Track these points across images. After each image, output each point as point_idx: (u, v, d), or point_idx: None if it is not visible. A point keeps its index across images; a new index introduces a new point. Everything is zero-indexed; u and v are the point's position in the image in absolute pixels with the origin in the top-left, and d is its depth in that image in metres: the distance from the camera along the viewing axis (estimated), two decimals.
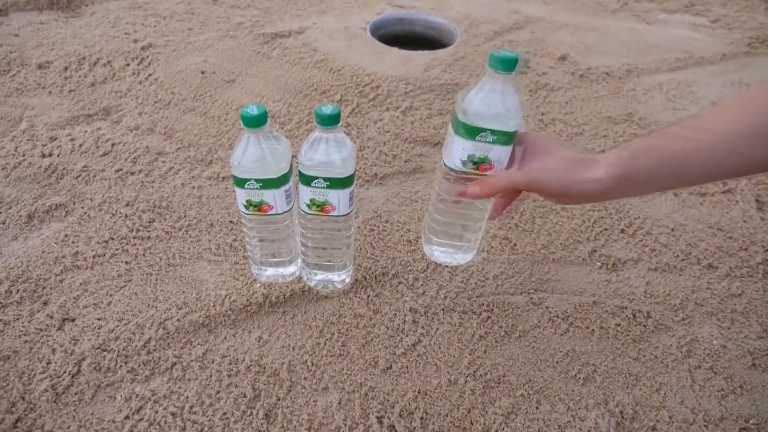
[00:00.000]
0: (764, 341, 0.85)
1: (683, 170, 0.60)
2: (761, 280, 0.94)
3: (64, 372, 0.77)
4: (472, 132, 0.67)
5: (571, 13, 1.85)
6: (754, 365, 0.81)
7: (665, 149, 0.60)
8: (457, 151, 0.70)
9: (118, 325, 0.83)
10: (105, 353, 0.80)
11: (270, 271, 0.90)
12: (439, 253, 0.85)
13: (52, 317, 0.84)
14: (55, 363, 0.78)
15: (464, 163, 0.70)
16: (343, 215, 0.78)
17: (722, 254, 0.99)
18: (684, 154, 0.59)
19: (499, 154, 0.69)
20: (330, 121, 0.70)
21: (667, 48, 1.65)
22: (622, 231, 1.02)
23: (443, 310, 0.87)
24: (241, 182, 0.75)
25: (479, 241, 0.83)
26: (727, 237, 1.02)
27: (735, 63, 1.59)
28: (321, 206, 0.77)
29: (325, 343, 0.82)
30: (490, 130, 0.67)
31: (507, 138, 0.67)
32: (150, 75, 1.42)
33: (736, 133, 0.58)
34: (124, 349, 0.80)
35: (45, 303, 0.87)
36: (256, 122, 0.71)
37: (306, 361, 0.80)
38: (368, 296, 0.89)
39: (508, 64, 0.64)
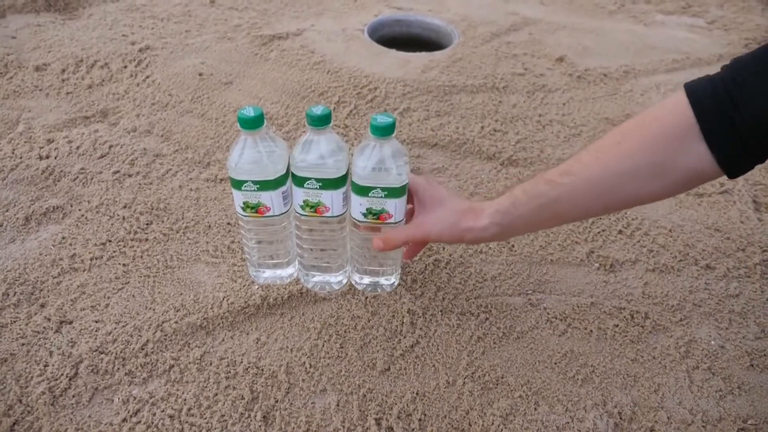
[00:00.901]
0: (762, 341, 0.85)
1: (557, 213, 0.68)
2: (759, 281, 0.94)
3: (62, 375, 0.77)
4: (364, 191, 0.75)
5: (568, 15, 1.86)
6: (752, 365, 0.81)
7: (542, 196, 0.68)
8: (356, 205, 0.77)
9: (115, 328, 0.83)
10: (102, 356, 0.79)
11: (268, 273, 0.90)
12: (365, 281, 0.90)
13: (49, 320, 0.84)
14: (53, 366, 0.78)
15: (365, 215, 0.78)
16: (336, 216, 0.78)
17: (720, 255, 0.99)
18: (557, 200, 0.67)
19: (396, 205, 0.76)
20: (321, 121, 0.70)
21: (665, 49, 1.65)
22: (620, 232, 1.03)
23: (441, 311, 0.87)
24: (238, 184, 0.75)
25: (397, 267, 0.89)
26: (725, 238, 1.02)
27: None
28: (314, 207, 0.77)
29: (323, 345, 0.82)
30: (380, 187, 0.74)
31: (398, 191, 0.75)
32: (147, 77, 1.42)
33: (596, 179, 0.64)
34: (121, 352, 0.80)
35: (42, 305, 0.87)
36: (252, 124, 0.71)
37: (304, 363, 0.80)
38: (366, 298, 0.89)
39: (384, 131, 0.70)
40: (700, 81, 0.60)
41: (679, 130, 0.59)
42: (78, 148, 1.18)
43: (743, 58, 0.58)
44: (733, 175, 0.60)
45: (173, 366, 0.79)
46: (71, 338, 0.82)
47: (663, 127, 0.60)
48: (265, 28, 1.67)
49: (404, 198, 0.76)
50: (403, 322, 0.85)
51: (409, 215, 0.81)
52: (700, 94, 0.58)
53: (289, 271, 0.90)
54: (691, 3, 1.96)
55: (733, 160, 0.58)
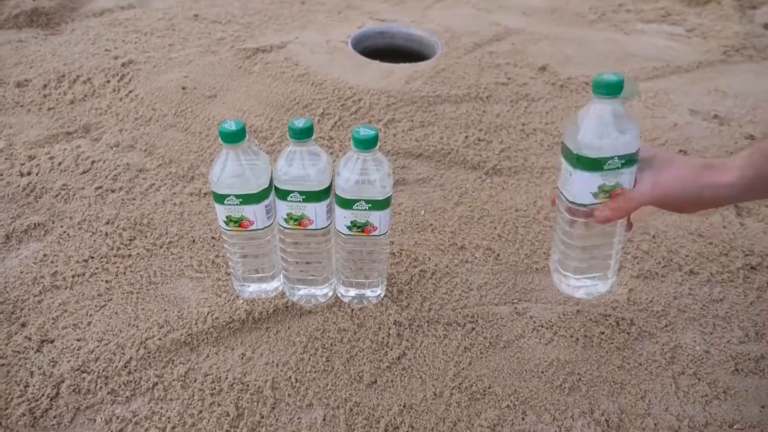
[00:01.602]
0: (746, 345, 0.85)
1: None
2: (741, 285, 0.95)
3: (43, 395, 0.75)
4: (597, 164, 0.65)
5: (550, 25, 1.88)
6: (737, 370, 0.82)
7: None
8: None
9: (98, 346, 0.82)
10: (84, 375, 0.78)
11: (253, 287, 0.89)
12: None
13: (30, 339, 0.83)
14: (33, 386, 0.77)
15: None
16: (320, 228, 0.78)
17: (703, 260, 1.00)
18: None
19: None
20: (303, 134, 0.70)
21: (645, 57, 1.67)
22: None
23: (428, 322, 0.87)
24: (220, 198, 0.75)
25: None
26: (708, 243, 1.03)
27: (711, 71, 1.62)
28: (298, 220, 0.77)
29: (309, 359, 0.82)
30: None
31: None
32: (130, 91, 1.42)
33: None
34: (104, 370, 0.79)
35: (23, 325, 0.85)
36: (234, 138, 0.70)
37: (290, 377, 0.79)
38: (352, 310, 0.88)
39: (367, 143, 0.68)
40: None
41: None
42: (60, 164, 1.17)
43: None
44: None
45: (157, 384, 0.78)
46: (52, 357, 0.80)
47: None
48: (248, 41, 1.67)
49: (389, 210, 0.76)
50: (389, 334, 0.85)
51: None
52: None
53: (274, 285, 0.90)
54: (670, 11, 1.99)
55: None
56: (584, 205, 0.68)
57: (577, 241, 0.73)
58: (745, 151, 0.64)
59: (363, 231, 0.77)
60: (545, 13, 1.96)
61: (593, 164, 0.65)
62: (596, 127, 0.64)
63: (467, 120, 1.35)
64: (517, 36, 1.77)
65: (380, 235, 0.79)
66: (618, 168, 0.65)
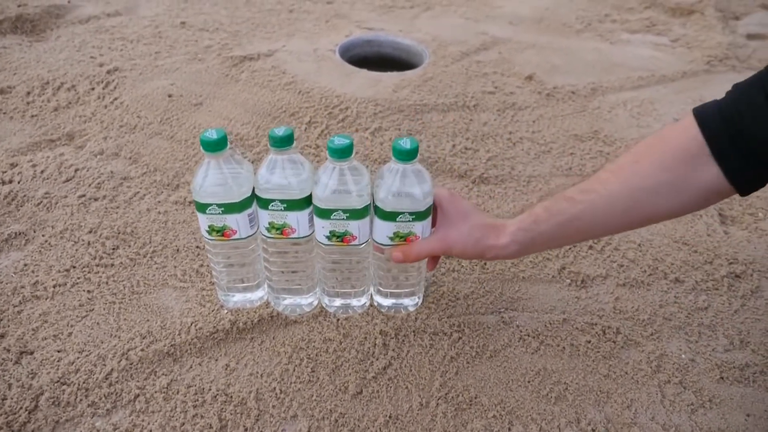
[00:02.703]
0: (731, 354, 0.85)
1: (578, 230, 0.70)
2: (726, 293, 0.95)
3: (21, 408, 0.74)
4: (392, 216, 0.74)
5: (537, 34, 1.89)
6: (722, 378, 0.82)
7: (562, 213, 0.69)
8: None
9: (78, 357, 0.81)
10: (64, 387, 0.77)
11: (237, 297, 0.88)
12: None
13: (9, 350, 0.81)
14: (11, 399, 0.75)
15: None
16: (303, 237, 0.78)
17: (688, 268, 1.00)
18: (577, 217, 0.68)
19: (357, 226, 0.76)
20: (283, 142, 0.70)
21: (631, 67, 1.69)
22: (591, 247, 1.03)
23: (414, 331, 0.86)
24: (202, 207, 0.74)
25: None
26: (693, 251, 1.04)
27: (695, 80, 1.63)
28: (280, 229, 0.76)
29: (294, 369, 0.81)
30: (341, 209, 0.74)
31: (360, 213, 0.75)
32: (116, 99, 1.40)
33: (616, 196, 0.67)
34: (84, 382, 0.77)
35: (1, 336, 0.84)
36: (215, 146, 0.70)
37: (274, 388, 0.78)
38: (338, 320, 0.88)
39: (342, 153, 0.70)
40: (708, 105, 0.64)
41: (691, 151, 0.63)
42: (42, 172, 1.16)
43: (742, 84, 0.63)
44: (745, 192, 0.63)
45: (138, 395, 0.76)
46: (31, 369, 0.79)
47: (674, 149, 0.64)
48: (236, 49, 1.67)
49: (367, 219, 0.76)
50: (375, 344, 0.84)
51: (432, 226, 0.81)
52: (708, 117, 0.62)
53: (258, 294, 0.89)
54: (655, 22, 2.01)
55: (743, 179, 0.62)
56: (383, 245, 0.78)
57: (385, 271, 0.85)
58: (524, 211, 0.74)
59: (342, 240, 0.77)
60: (532, 23, 1.98)
61: (388, 216, 0.74)
62: (392, 186, 0.73)
63: (454, 129, 1.35)
64: (504, 45, 1.78)
65: (360, 245, 0.78)
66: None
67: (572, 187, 0.71)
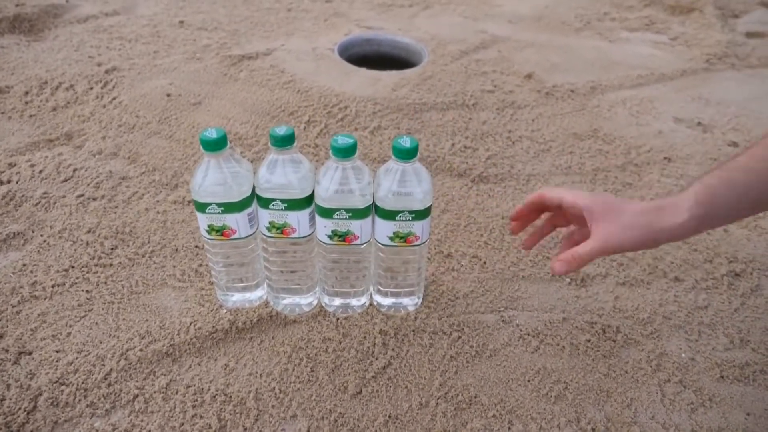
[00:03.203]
0: (731, 353, 0.85)
1: (756, 201, 0.64)
2: (726, 292, 0.95)
3: (19, 408, 0.74)
4: (328, 212, 0.74)
5: (536, 33, 1.89)
6: (722, 377, 0.82)
7: (739, 184, 0.63)
8: (321, 227, 0.77)
9: (77, 357, 0.81)
10: (63, 387, 0.77)
11: (237, 297, 0.88)
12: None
13: (7, 351, 0.81)
14: (10, 399, 0.75)
15: (330, 237, 0.77)
16: (304, 237, 0.77)
17: (688, 267, 1.00)
18: (752, 187, 0.63)
19: (360, 226, 0.75)
20: (284, 142, 0.70)
21: (630, 65, 1.69)
22: None
23: (413, 331, 0.86)
24: (202, 207, 0.74)
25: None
26: (692, 250, 1.03)
27: (694, 79, 1.63)
28: (281, 228, 0.76)
29: (293, 369, 0.81)
30: (344, 209, 0.73)
31: (362, 212, 0.74)
32: (114, 98, 1.40)
33: None
34: (83, 382, 0.77)
35: (0, 336, 0.83)
36: (215, 146, 0.70)
37: (274, 388, 0.78)
38: (337, 319, 0.88)
39: (345, 152, 0.70)
40: None
41: None
42: (41, 172, 1.16)
43: None
44: None
45: (137, 396, 0.76)
46: (30, 370, 0.79)
47: None
48: (234, 48, 1.66)
49: (369, 219, 0.76)
50: (374, 344, 0.84)
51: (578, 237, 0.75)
52: None
53: (258, 294, 0.89)
54: (654, 20, 2.01)
55: None
56: (383, 245, 0.78)
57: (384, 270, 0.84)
58: (692, 186, 0.66)
59: (344, 240, 0.76)
60: (531, 21, 1.97)
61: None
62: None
63: (453, 127, 1.35)
64: (504, 44, 1.78)
65: (362, 244, 0.78)
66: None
67: (738, 157, 0.66)
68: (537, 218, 0.80)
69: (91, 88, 1.43)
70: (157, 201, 1.10)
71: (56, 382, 0.77)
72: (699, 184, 0.66)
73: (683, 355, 0.85)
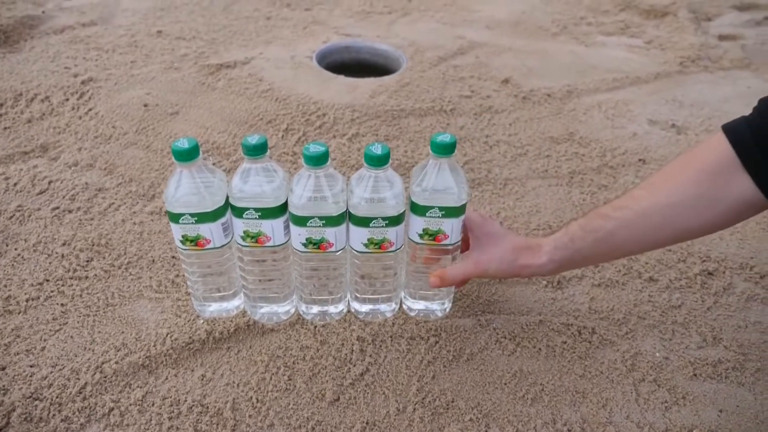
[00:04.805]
0: (704, 351, 0.87)
1: (613, 246, 0.71)
2: (699, 291, 0.97)
3: None
4: (301, 221, 0.74)
5: (513, 38, 1.91)
6: (695, 375, 0.83)
7: (598, 230, 0.71)
8: (296, 235, 0.77)
9: (51, 372, 0.80)
10: (37, 402, 0.76)
11: (214, 306, 0.88)
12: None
13: None
14: None
15: (305, 245, 0.77)
16: (279, 245, 0.77)
17: (662, 267, 1.01)
18: (612, 233, 0.70)
19: (334, 233, 0.76)
20: (256, 151, 0.70)
21: (605, 69, 1.71)
22: None
23: (391, 337, 0.87)
24: (175, 217, 0.74)
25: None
26: (666, 250, 1.05)
27: (668, 81, 1.66)
28: (255, 237, 0.76)
29: (270, 378, 0.80)
30: (317, 217, 0.74)
31: (336, 220, 0.75)
32: (90, 109, 1.39)
33: (649, 212, 0.68)
34: (57, 397, 0.76)
35: None
36: (187, 156, 0.70)
37: (251, 397, 0.78)
38: (315, 327, 0.88)
39: (317, 160, 0.71)
40: (736, 121, 0.65)
41: (722, 165, 0.64)
42: (15, 184, 1.14)
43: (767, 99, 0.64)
44: None
45: (113, 409, 0.76)
46: (3, 385, 0.78)
47: (706, 164, 0.65)
48: (212, 57, 1.66)
49: (343, 226, 0.76)
50: (352, 350, 0.84)
51: (464, 246, 0.83)
52: (737, 131, 0.64)
53: (235, 303, 0.88)
54: (629, 24, 2.04)
55: None
56: (358, 252, 0.79)
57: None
58: (559, 230, 0.75)
59: (319, 248, 0.77)
60: (508, 27, 1.99)
61: (361, 222, 0.75)
62: (363, 193, 0.74)
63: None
64: (481, 49, 1.80)
65: (337, 252, 0.78)
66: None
67: (606, 204, 0.73)
68: None
69: (67, 100, 1.42)
70: (134, 212, 1.09)
71: (30, 397, 0.76)
72: (564, 228, 0.75)
73: (657, 354, 0.86)
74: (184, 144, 0.70)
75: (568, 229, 0.74)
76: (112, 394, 0.77)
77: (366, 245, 0.77)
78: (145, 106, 1.40)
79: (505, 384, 0.81)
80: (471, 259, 0.78)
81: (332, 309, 0.88)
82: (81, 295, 0.92)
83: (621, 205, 0.70)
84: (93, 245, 1.01)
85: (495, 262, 0.76)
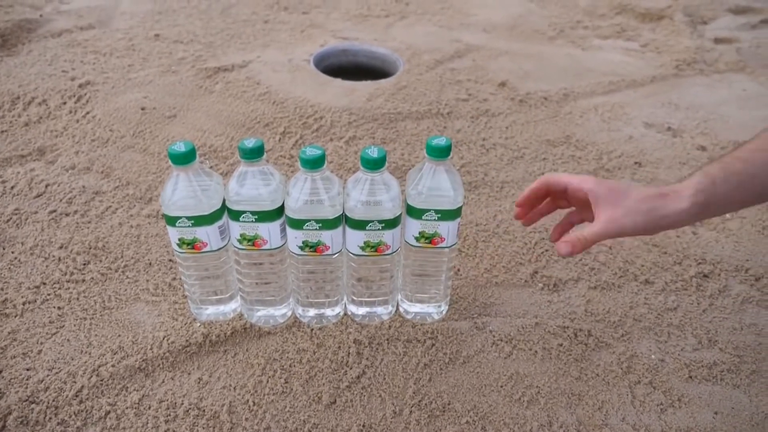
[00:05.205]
0: (699, 353, 0.87)
1: (756, 190, 0.67)
2: (695, 293, 0.97)
3: None
4: (298, 224, 0.74)
5: (510, 41, 1.92)
6: (691, 377, 0.83)
7: (739, 173, 0.66)
8: (292, 238, 0.77)
9: (48, 375, 0.80)
10: (33, 405, 0.76)
11: (211, 310, 0.88)
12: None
13: None
14: None
15: (301, 248, 0.77)
16: (275, 248, 0.78)
17: (658, 269, 1.02)
18: (755, 176, 0.66)
19: (330, 236, 0.76)
20: (253, 154, 0.70)
21: (602, 72, 1.72)
22: None
23: (387, 340, 0.87)
24: (172, 220, 0.74)
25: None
26: (662, 252, 1.05)
27: (664, 84, 1.67)
28: (252, 240, 0.76)
29: (267, 381, 0.80)
30: (314, 219, 0.73)
31: (332, 223, 0.75)
32: (88, 113, 1.39)
33: None
34: (54, 400, 0.76)
35: None
36: (183, 159, 0.70)
37: (247, 401, 0.78)
38: (312, 330, 0.88)
39: (313, 163, 0.70)
40: None
41: None
42: (12, 188, 1.14)
43: None
44: None
45: (109, 412, 0.76)
46: None
47: None
48: (210, 60, 1.66)
49: (340, 229, 0.76)
50: (349, 353, 0.84)
51: (589, 216, 0.74)
52: None
53: (232, 306, 0.88)
54: (625, 27, 2.05)
55: None
56: (354, 254, 0.79)
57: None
58: (693, 176, 0.68)
59: (315, 251, 0.77)
60: (505, 30, 2.00)
61: (357, 225, 0.75)
62: (360, 196, 0.74)
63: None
64: (478, 52, 1.80)
65: (333, 255, 0.78)
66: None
67: (736, 149, 0.69)
68: (541, 203, 0.79)
69: (65, 103, 1.42)
70: (131, 215, 1.10)
71: (26, 400, 0.76)
72: (700, 173, 0.68)
73: (653, 356, 0.86)
74: (180, 147, 0.70)
75: (708, 172, 0.68)
76: (109, 398, 0.77)
77: (362, 248, 0.78)
78: (143, 109, 1.41)
79: (501, 386, 0.81)
80: (603, 218, 0.68)
81: (329, 312, 0.88)
82: (78, 299, 0.92)
83: (758, 148, 0.67)
84: (90, 248, 1.01)
85: (631, 215, 0.67)
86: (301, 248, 0.77)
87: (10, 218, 1.07)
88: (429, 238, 0.78)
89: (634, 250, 1.06)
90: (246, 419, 0.76)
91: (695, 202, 0.66)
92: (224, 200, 0.75)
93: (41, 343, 0.85)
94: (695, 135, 1.42)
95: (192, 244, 0.77)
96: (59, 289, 0.93)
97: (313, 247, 0.76)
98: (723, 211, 0.70)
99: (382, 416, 0.77)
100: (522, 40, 1.94)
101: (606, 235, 0.69)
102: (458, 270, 1.00)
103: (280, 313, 0.88)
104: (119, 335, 0.86)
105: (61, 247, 1.01)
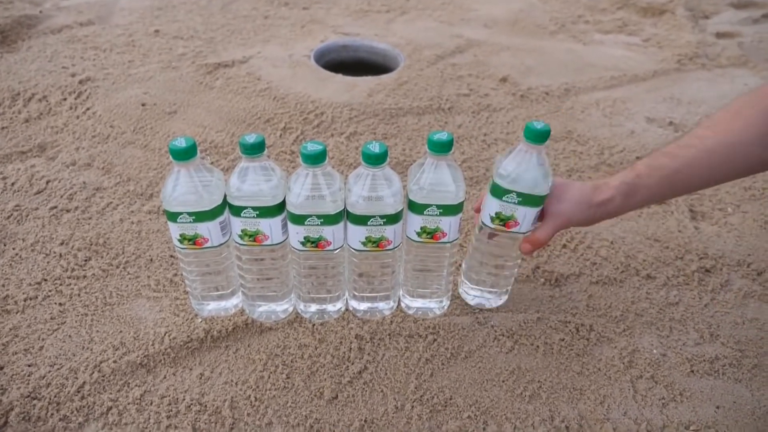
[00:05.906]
0: (701, 347, 0.87)
1: (678, 184, 0.73)
2: (696, 288, 0.97)
3: None
4: (299, 219, 0.74)
5: (511, 36, 1.91)
6: (693, 372, 0.83)
7: (663, 167, 0.72)
8: (293, 234, 0.77)
9: (50, 371, 0.80)
10: (35, 401, 0.76)
11: (212, 305, 0.88)
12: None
13: None
14: None
15: (303, 244, 0.77)
16: (276, 244, 0.77)
17: (660, 264, 1.02)
18: (678, 171, 0.71)
19: (332, 231, 0.76)
20: (254, 149, 0.70)
21: (603, 67, 1.71)
22: (564, 246, 1.04)
23: (389, 335, 0.87)
24: (173, 216, 0.74)
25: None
26: (664, 247, 1.05)
27: (666, 79, 1.66)
28: (253, 236, 0.76)
29: (269, 376, 0.80)
30: (315, 215, 0.73)
31: (334, 218, 0.74)
32: (88, 109, 1.39)
33: (716, 147, 0.69)
34: (55, 396, 0.76)
35: None
36: (184, 155, 0.69)
37: (249, 396, 0.78)
38: (313, 325, 0.88)
39: (314, 159, 0.70)
40: None
41: None
42: (13, 184, 1.14)
43: None
44: None
45: (111, 408, 0.76)
46: (1, 385, 0.78)
47: None
48: (210, 56, 1.66)
49: (341, 224, 0.76)
50: (350, 348, 0.84)
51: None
52: None
53: (233, 302, 0.88)
54: (627, 22, 2.04)
55: None
56: (356, 250, 0.79)
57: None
58: (624, 170, 0.76)
59: (317, 246, 0.77)
60: (506, 25, 1.99)
61: (359, 220, 0.75)
62: (361, 191, 0.74)
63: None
64: (479, 48, 1.80)
65: (334, 250, 0.78)
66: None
67: (670, 144, 0.74)
68: None
69: (65, 99, 1.42)
70: (132, 211, 1.09)
71: (28, 396, 0.76)
72: (630, 168, 0.75)
73: (655, 351, 0.86)
74: (181, 143, 0.70)
75: (634, 167, 0.74)
76: (111, 393, 0.77)
77: (364, 243, 0.77)
78: (143, 105, 1.40)
79: (503, 381, 0.81)
80: (551, 214, 0.76)
81: (330, 307, 0.88)
82: (79, 295, 0.92)
83: (686, 144, 0.71)
84: (91, 244, 1.01)
85: (573, 208, 0.74)
86: (303, 244, 0.77)
87: (11, 215, 1.07)
88: (431, 234, 0.78)
89: (636, 245, 1.06)
90: (248, 414, 0.76)
91: (618, 192, 0.73)
92: (225, 196, 0.75)
93: (43, 340, 0.85)
94: None
95: (193, 240, 0.76)
96: (60, 285, 0.93)
97: (315, 243, 0.76)
98: (648, 201, 0.76)
99: (384, 411, 0.77)
100: (523, 35, 1.93)
101: (554, 228, 0.76)
102: (460, 265, 1.00)
103: (281, 308, 0.88)
104: (121, 331, 0.86)
105: (62, 244, 1.01)
